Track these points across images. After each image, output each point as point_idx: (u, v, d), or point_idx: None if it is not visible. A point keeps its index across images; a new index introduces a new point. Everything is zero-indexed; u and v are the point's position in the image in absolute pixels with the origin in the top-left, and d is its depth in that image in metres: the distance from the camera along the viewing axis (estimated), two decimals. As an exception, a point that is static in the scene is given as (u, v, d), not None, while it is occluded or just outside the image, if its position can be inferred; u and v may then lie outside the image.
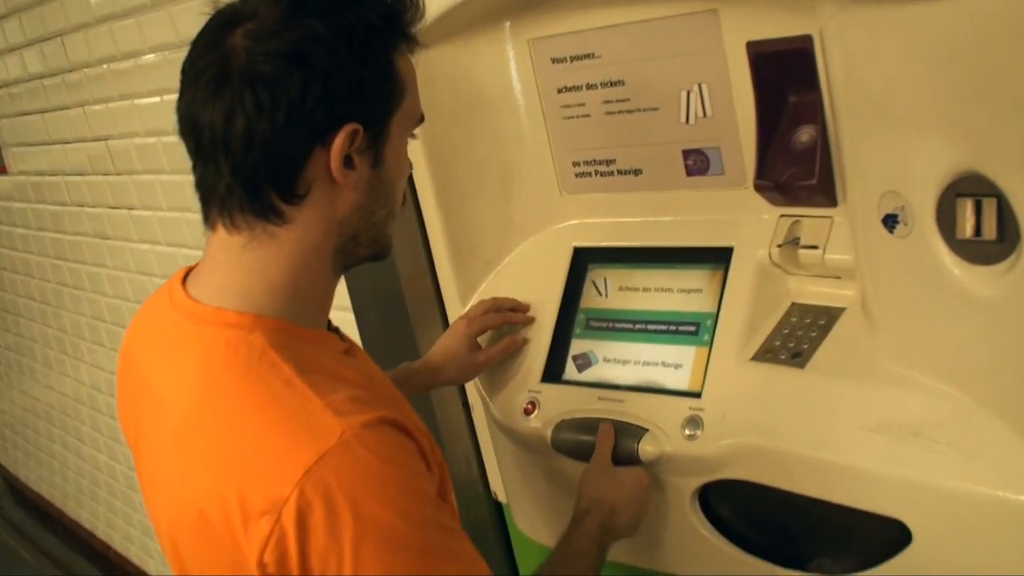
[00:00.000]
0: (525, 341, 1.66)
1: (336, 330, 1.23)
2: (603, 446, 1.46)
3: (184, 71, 1.09)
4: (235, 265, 1.11)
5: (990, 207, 1.09)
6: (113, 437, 3.70)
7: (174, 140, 2.27)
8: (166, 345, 1.16)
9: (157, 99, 2.42)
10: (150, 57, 2.38)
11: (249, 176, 1.06)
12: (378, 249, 1.19)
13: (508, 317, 1.67)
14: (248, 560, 1.00)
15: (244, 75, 1.03)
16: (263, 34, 1.04)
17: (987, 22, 1.00)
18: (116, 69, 2.57)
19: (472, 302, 1.76)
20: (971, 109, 1.06)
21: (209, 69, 1.05)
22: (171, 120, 2.35)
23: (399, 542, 1.01)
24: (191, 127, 1.08)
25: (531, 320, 1.68)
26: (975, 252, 1.13)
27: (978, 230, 1.11)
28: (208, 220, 1.13)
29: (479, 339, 1.66)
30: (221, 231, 1.11)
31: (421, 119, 1.18)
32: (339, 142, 1.06)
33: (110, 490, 3.93)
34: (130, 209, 2.85)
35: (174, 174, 2.53)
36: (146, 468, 1.22)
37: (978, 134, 1.07)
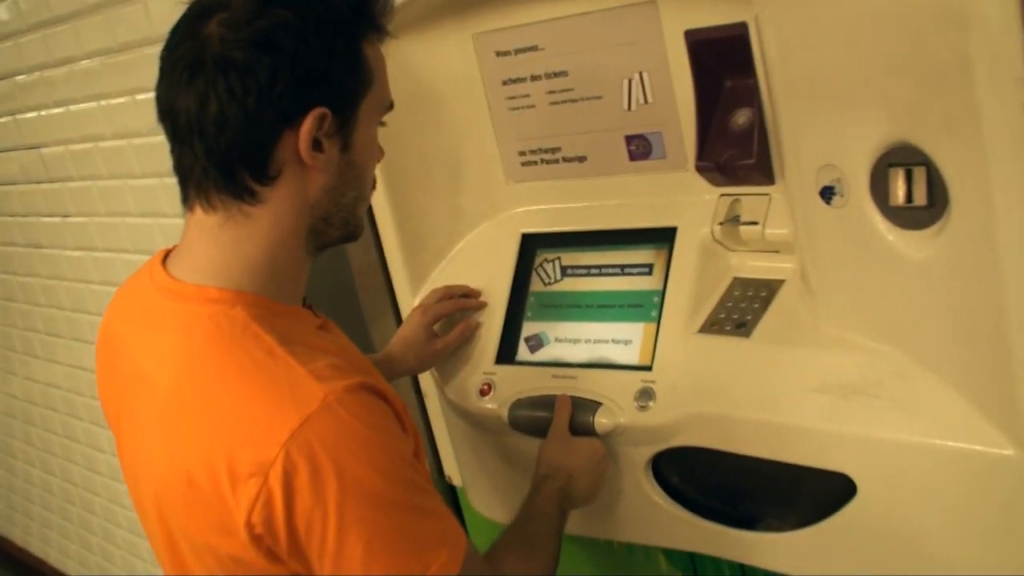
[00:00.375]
0: (478, 325, 1.71)
1: (310, 307, 1.27)
2: (560, 417, 1.52)
3: (162, 59, 1.14)
4: (213, 244, 1.16)
5: (920, 175, 1.17)
6: (47, 450, 3.65)
7: (111, 145, 2.27)
8: (149, 324, 1.20)
9: (94, 104, 2.42)
10: (86, 63, 2.38)
11: (222, 157, 1.11)
12: (349, 230, 1.24)
13: (461, 303, 1.72)
14: (236, 521, 1.05)
15: (217, 62, 1.08)
16: (236, 22, 1.09)
17: (910, 2, 1.08)
18: (49, 76, 2.57)
19: (423, 292, 1.80)
20: (900, 83, 1.13)
21: (185, 56, 1.10)
22: (110, 125, 2.35)
23: (381, 501, 1.06)
24: (168, 112, 1.13)
25: (483, 305, 1.72)
26: (907, 218, 1.20)
27: (909, 197, 1.18)
28: (186, 201, 1.18)
29: (436, 327, 1.71)
30: (199, 211, 1.16)
31: (390, 106, 1.24)
32: (307, 125, 1.11)
33: (44, 504, 3.87)
34: (65, 216, 2.83)
35: (111, 179, 2.52)
36: (129, 445, 1.25)
37: (907, 106, 1.14)
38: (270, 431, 1.04)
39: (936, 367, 1.24)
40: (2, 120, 2.88)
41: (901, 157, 1.18)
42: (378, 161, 1.26)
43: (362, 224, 1.26)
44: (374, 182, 1.26)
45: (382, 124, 1.25)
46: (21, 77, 2.69)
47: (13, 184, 3.01)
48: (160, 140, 1.17)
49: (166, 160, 1.18)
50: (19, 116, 2.80)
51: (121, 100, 2.29)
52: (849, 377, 1.31)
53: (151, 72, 1.15)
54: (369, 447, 1.06)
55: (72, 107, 2.53)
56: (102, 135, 2.44)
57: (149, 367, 1.19)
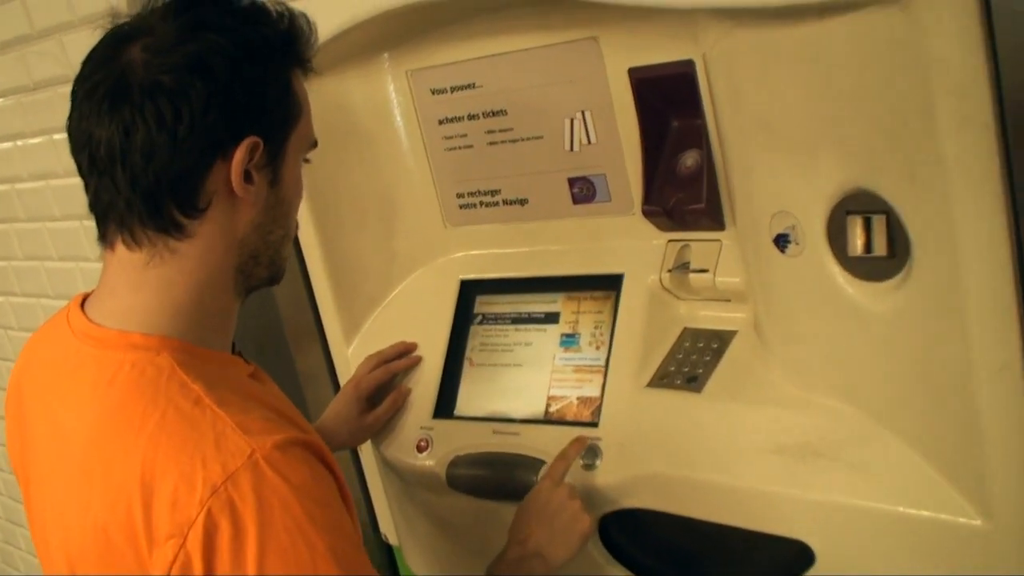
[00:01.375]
0: (409, 392, 1.64)
1: (239, 353, 1.20)
2: (555, 468, 1.40)
3: (76, 89, 1.07)
4: (137, 285, 1.09)
5: (880, 224, 1.11)
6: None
7: (29, 187, 2.14)
8: (67, 372, 1.13)
9: (44, 139, 2.29)
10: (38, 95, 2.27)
11: (149, 189, 1.05)
12: (275, 271, 1.18)
13: (393, 368, 1.65)
14: None
15: (144, 87, 1.02)
16: (163, 47, 1.03)
17: (869, 40, 1.02)
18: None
19: (358, 342, 1.72)
20: (857, 127, 1.07)
21: (105, 83, 1.04)
22: (26, 166, 2.23)
23: (305, 568, 0.97)
24: (85, 143, 1.06)
25: (418, 361, 1.65)
26: (867, 269, 1.14)
27: (869, 247, 1.12)
28: (105, 238, 1.11)
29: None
30: (121, 249, 1.09)
31: (315, 144, 1.19)
32: (240, 154, 1.06)
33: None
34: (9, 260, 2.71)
35: (29, 222, 2.41)
36: (39, 498, 1.18)
37: (865, 151, 1.08)
38: (191, 488, 0.96)
39: (899, 428, 1.17)
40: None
41: (860, 204, 1.12)
42: (301, 199, 1.20)
43: (285, 265, 1.20)
44: (297, 224, 1.21)
45: (306, 161, 1.19)
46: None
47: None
48: (80, 182, 1.10)
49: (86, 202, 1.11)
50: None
51: (38, 140, 2.18)
52: (807, 437, 1.24)
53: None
54: (295, 509, 0.98)
55: (19, 142, 2.40)
56: (19, 176, 2.32)
57: (66, 418, 1.11)
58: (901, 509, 1.15)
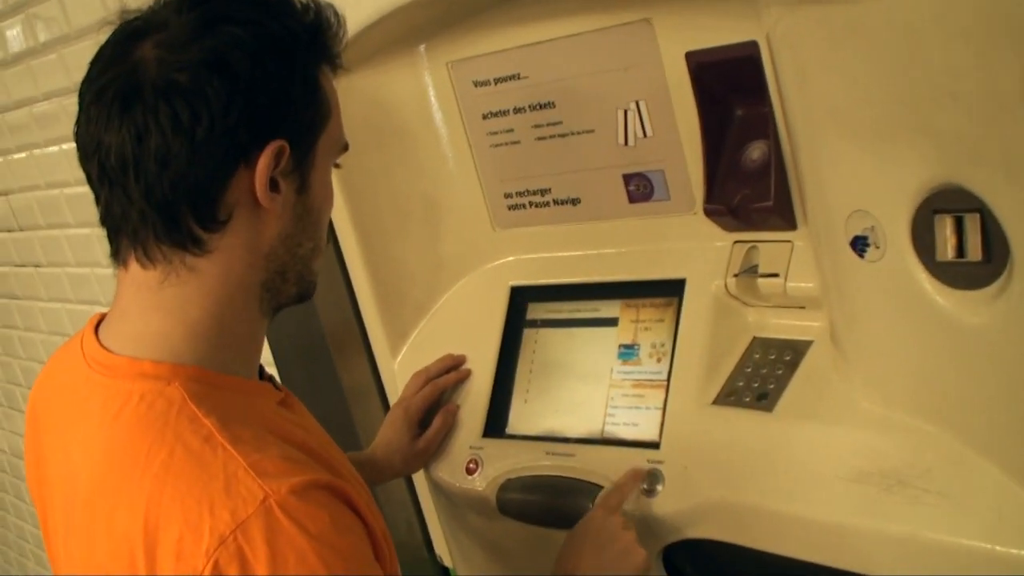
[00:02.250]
0: (457, 408, 1.53)
1: (271, 379, 1.12)
2: (610, 497, 1.29)
3: (83, 91, 0.98)
4: (151, 306, 1.00)
5: (973, 224, 0.97)
6: (39, 505, 3.51)
7: (78, 192, 2.10)
8: (77, 402, 1.04)
9: (56, 148, 2.25)
10: (44, 105, 2.22)
11: (164, 199, 0.95)
12: (304, 287, 1.09)
13: (441, 384, 1.54)
14: None
15: (158, 87, 0.93)
16: (177, 42, 0.95)
17: (960, 12, 0.88)
18: (9, 120, 2.40)
19: (404, 353, 1.63)
20: (945, 113, 0.93)
21: (115, 83, 0.95)
22: (73, 171, 2.21)
23: None
24: (94, 150, 0.97)
25: (467, 375, 1.55)
26: (959, 275, 1.00)
27: (961, 250, 0.98)
28: (118, 255, 1.02)
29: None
30: (134, 267, 1.00)
31: (345, 147, 1.09)
32: (265, 160, 0.96)
33: (39, 561, 3.73)
34: (37, 267, 2.67)
35: (80, 227, 2.36)
36: (52, 533, 1.11)
37: (955, 141, 0.94)
38: (198, 537, 0.88)
39: (994, 455, 1.03)
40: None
41: (949, 202, 0.98)
42: (332, 208, 1.11)
43: (316, 280, 1.11)
44: (326, 234, 1.11)
45: (336, 166, 1.09)
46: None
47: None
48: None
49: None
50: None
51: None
52: (891, 463, 1.10)
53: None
54: (312, 563, 0.88)
55: (35, 151, 2.36)
56: (67, 181, 2.27)
57: (75, 451, 1.03)
58: (998, 548, 1.01)
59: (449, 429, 1.52)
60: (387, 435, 1.51)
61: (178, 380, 0.97)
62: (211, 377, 1.00)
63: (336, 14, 1.05)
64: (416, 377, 1.55)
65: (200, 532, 0.88)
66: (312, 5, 1.03)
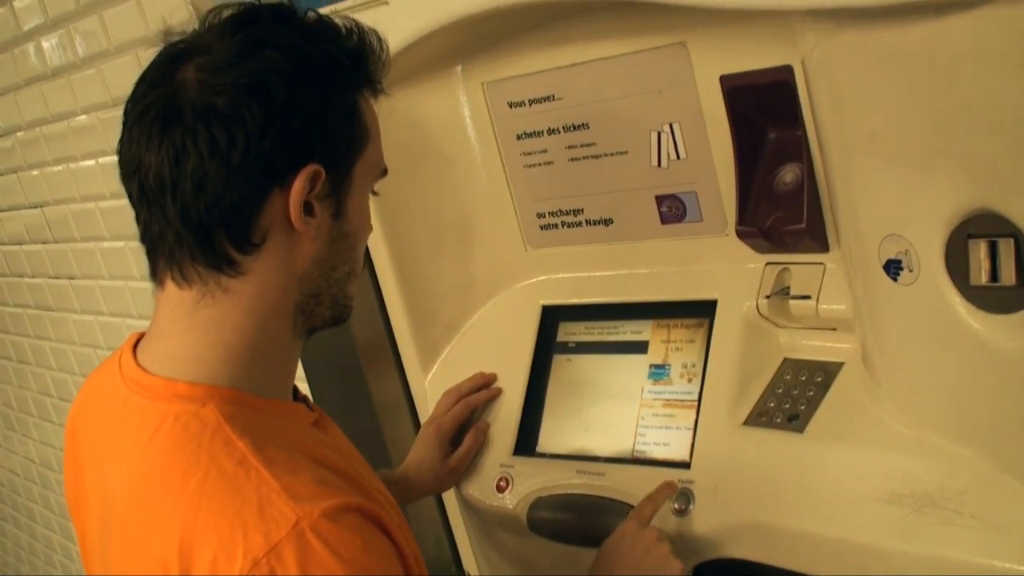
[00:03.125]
0: (487, 426, 1.54)
1: (304, 399, 1.12)
2: (642, 509, 1.28)
3: (127, 110, 1.00)
4: (187, 327, 1.01)
5: (1007, 248, 0.97)
6: (66, 516, 3.51)
7: (112, 205, 2.12)
8: (114, 422, 1.05)
9: (92, 162, 2.27)
10: (83, 118, 2.24)
11: (200, 221, 0.96)
12: (339, 311, 1.08)
13: (472, 402, 1.55)
14: None
15: (197, 109, 0.94)
16: (218, 66, 0.96)
17: (995, 40, 0.89)
18: (49, 132, 2.43)
19: (436, 371, 1.63)
20: (980, 139, 0.94)
21: (156, 105, 0.96)
22: (108, 184, 2.22)
23: None
24: (134, 169, 0.98)
25: (497, 393, 1.55)
26: (992, 299, 1.00)
27: (994, 275, 0.99)
28: (156, 275, 1.03)
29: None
30: (171, 287, 1.01)
31: (384, 172, 1.10)
32: (299, 184, 0.97)
33: (65, 570, 3.74)
34: (71, 279, 2.70)
35: (114, 240, 2.38)
36: (88, 552, 1.12)
37: (989, 166, 0.95)
38: (231, 560, 0.87)
39: (1030, 479, 1.03)
40: (6, 177, 2.76)
41: (983, 227, 0.98)
42: (369, 234, 1.11)
43: (352, 304, 1.10)
44: (365, 258, 1.12)
45: (374, 193, 1.10)
46: (21, 133, 2.56)
47: (20, 244, 2.89)
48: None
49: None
50: (22, 174, 2.67)
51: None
52: (923, 486, 1.10)
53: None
54: None
55: (72, 164, 2.39)
56: (102, 194, 2.30)
57: (112, 471, 1.03)
58: (1033, 572, 1.01)
59: (480, 447, 1.53)
60: (419, 453, 1.51)
61: (213, 402, 0.98)
62: (246, 399, 1.00)
63: (379, 39, 1.05)
64: (447, 395, 1.56)
65: (234, 555, 0.88)
66: (355, 30, 1.04)
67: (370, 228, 1.11)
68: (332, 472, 0.97)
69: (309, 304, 1.04)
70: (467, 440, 1.52)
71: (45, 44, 2.28)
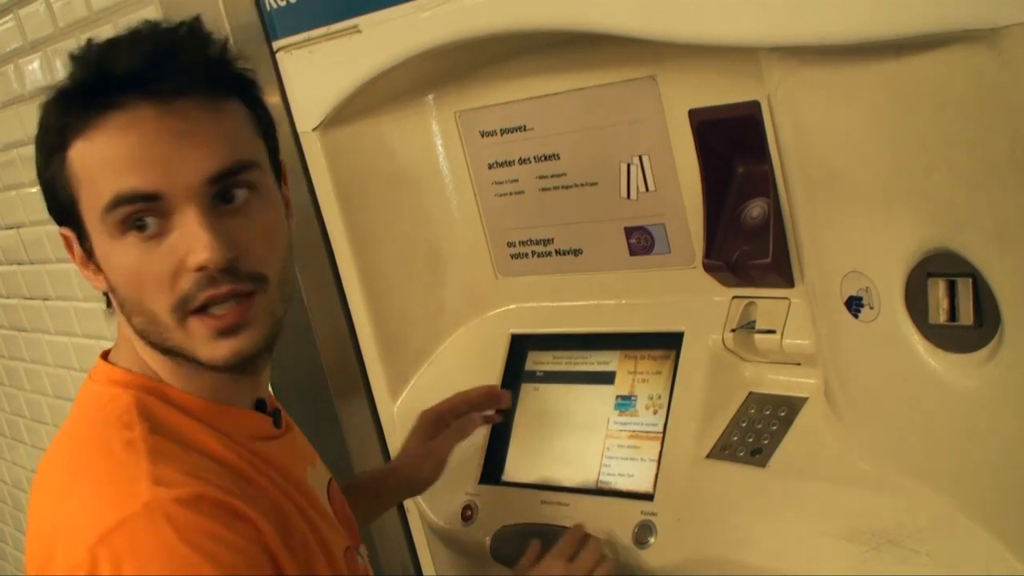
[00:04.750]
0: (481, 420, 1.49)
1: (274, 413, 1.12)
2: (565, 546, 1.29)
3: None
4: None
5: (965, 288, 0.98)
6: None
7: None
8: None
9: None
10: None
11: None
12: (189, 357, 1.00)
13: (470, 397, 1.49)
14: None
15: None
16: None
17: (954, 81, 0.89)
18: (25, 154, 2.42)
19: (404, 397, 1.62)
20: (940, 179, 0.94)
21: None
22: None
23: None
24: None
25: (507, 400, 1.51)
26: (951, 338, 1.01)
27: (953, 314, 0.99)
28: None
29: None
30: None
31: (116, 201, 0.94)
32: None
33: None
34: (45, 300, 2.68)
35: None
36: None
37: (949, 207, 0.95)
38: (86, 530, 0.90)
39: (986, 519, 1.03)
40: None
41: (942, 266, 0.99)
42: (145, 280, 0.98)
43: (194, 354, 0.99)
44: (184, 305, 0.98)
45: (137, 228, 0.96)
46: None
47: (-3, 264, 2.88)
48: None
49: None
50: (-1, 194, 2.67)
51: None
52: (882, 523, 1.10)
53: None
54: (181, 567, 0.88)
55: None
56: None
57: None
58: (990, 612, 1.00)
59: (464, 437, 1.46)
60: (405, 441, 1.48)
61: (135, 388, 1.00)
62: (172, 393, 1.01)
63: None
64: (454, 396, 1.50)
65: (88, 527, 0.90)
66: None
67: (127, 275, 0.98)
68: (216, 474, 0.97)
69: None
70: (453, 425, 1.46)
71: (25, 67, 2.28)
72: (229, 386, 1.05)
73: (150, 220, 0.93)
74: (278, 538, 0.97)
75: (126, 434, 0.96)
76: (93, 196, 0.94)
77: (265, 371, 1.09)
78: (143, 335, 0.99)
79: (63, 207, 0.97)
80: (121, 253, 0.94)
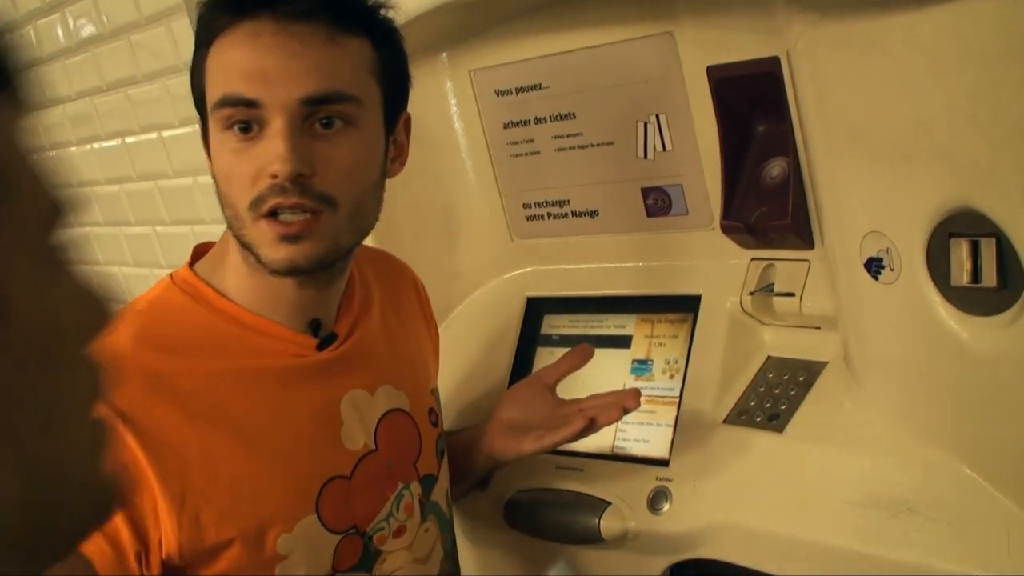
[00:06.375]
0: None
1: (328, 338, 1.14)
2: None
3: None
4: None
5: (989, 249, 0.94)
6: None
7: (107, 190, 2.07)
8: None
9: (88, 147, 2.26)
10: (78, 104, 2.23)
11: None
12: (255, 256, 1.05)
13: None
14: None
15: None
16: None
17: (977, 32, 0.86)
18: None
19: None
20: (964, 135, 0.91)
21: None
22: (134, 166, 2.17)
23: None
24: None
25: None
26: (973, 301, 0.97)
27: (976, 276, 0.96)
28: None
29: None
30: None
31: (222, 101, 1.02)
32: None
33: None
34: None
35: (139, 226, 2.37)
36: None
37: (973, 164, 0.92)
38: None
39: (1006, 486, 1.00)
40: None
41: (965, 226, 0.95)
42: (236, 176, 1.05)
43: (263, 254, 1.04)
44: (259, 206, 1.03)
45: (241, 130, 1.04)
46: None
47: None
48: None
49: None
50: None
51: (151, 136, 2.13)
52: (900, 490, 1.08)
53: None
54: None
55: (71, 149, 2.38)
56: (128, 176, 2.28)
57: None
58: (1008, 580, 0.98)
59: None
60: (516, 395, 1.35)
61: (173, 288, 1.10)
62: (206, 294, 1.09)
63: None
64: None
65: None
66: None
67: (241, 174, 1.03)
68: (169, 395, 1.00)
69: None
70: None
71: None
72: (279, 300, 1.09)
73: (251, 123, 1.01)
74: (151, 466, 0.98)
75: (129, 313, 1.04)
76: (211, 91, 1.03)
77: (325, 291, 1.11)
78: (230, 225, 1.06)
79: (197, 96, 1.06)
80: (222, 148, 1.03)
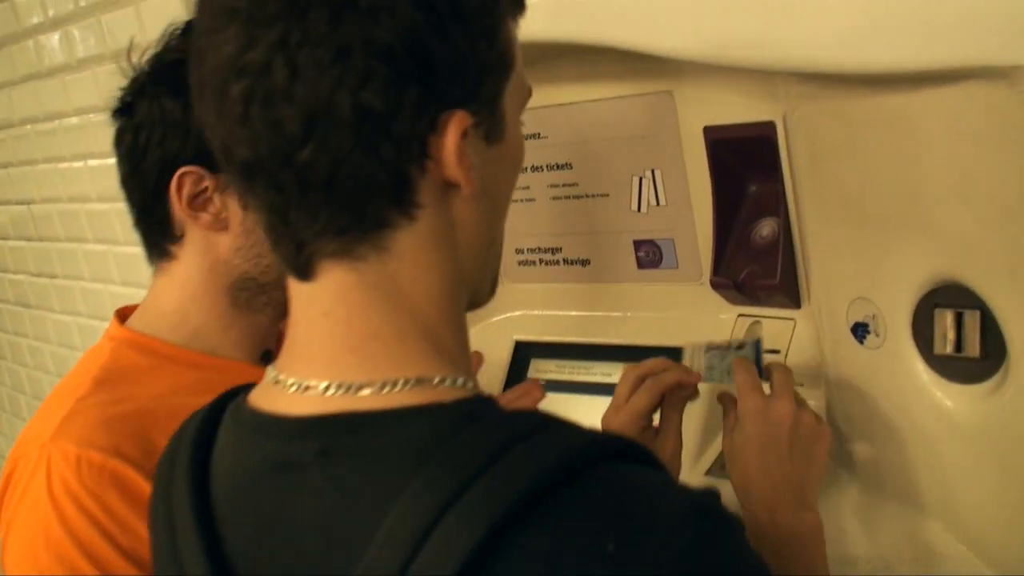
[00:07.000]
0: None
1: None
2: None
3: None
4: (150, 290, 1.15)
5: (972, 320, 0.98)
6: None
7: (98, 208, 2.11)
8: None
9: (80, 164, 2.27)
10: (73, 120, 2.24)
11: (136, 220, 1.12)
12: (279, 300, 1.10)
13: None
14: None
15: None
16: None
17: (969, 116, 0.89)
18: (40, 130, 2.43)
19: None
20: (954, 212, 0.94)
21: None
22: (96, 186, 2.21)
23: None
24: None
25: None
26: (956, 370, 1.01)
27: (959, 345, 1.00)
28: None
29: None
30: None
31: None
32: (173, 186, 1.06)
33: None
34: (52, 278, 2.69)
35: (97, 244, 2.37)
36: None
37: (960, 240, 0.95)
38: (10, 462, 1.02)
39: (985, 553, 1.03)
40: (-3, 172, 2.76)
41: (950, 298, 0.99)
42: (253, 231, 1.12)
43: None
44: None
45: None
46: (13, 130, 2.56)
47: (5, 239, 2.88)
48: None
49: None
50: (11, 169, 2.66)
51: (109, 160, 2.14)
52: (879, 551, 1.10)
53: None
54: (40, 517, 0.96)
55: (61, 165, 2.39)
56: (87, 196, 2.29)
57: None
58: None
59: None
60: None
61: (120, 343, 1.09)
62: (154, 346, 1.09)
63: None
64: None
65: (12, 457, 1.02)
66: None
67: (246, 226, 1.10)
68: (143, 425, 1.01)
69: (248, 284, 1.12)
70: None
71: (45, 43, 2.29)
72: (255, 338, 1.14)
73: None
74: None
75: (83, 380, 1.05)
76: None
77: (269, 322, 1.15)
78: (255, 278, 1.10)
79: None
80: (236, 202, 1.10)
